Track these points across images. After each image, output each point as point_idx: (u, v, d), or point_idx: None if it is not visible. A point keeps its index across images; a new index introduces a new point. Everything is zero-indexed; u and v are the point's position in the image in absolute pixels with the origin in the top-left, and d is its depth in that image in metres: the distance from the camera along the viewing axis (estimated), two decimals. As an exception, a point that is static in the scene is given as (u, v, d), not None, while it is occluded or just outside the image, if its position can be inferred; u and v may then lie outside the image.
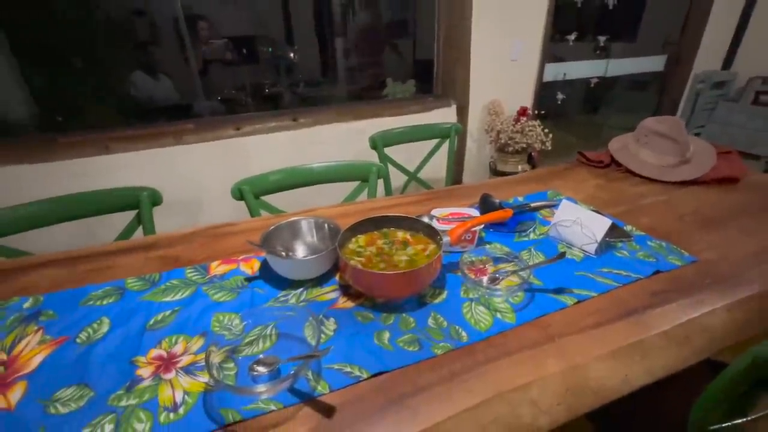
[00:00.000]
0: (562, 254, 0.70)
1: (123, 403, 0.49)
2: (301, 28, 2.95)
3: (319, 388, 0.51)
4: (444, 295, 0.69)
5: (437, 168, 1.70)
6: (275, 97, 2.74)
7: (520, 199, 1.06)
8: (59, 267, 0.78)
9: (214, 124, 1.82)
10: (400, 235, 0.77)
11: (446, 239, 0.71)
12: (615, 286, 0.69)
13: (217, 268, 0.77)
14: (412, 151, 1.58)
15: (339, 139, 2.03)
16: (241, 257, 0.80)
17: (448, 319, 0.63)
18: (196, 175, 1.81)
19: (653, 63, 3.16)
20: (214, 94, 2.45)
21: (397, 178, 1.60)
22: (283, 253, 0.73)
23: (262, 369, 0.53)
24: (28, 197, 0.98)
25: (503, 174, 2.39)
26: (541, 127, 2.27)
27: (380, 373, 0.53)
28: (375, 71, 2.66)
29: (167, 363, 0.55)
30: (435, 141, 1.62)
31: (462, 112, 2.35)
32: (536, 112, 2.50)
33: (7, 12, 1.90)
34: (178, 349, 0.58)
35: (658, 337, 0.59)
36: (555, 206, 0.93)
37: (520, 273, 0.70)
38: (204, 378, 0.52)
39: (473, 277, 0.71)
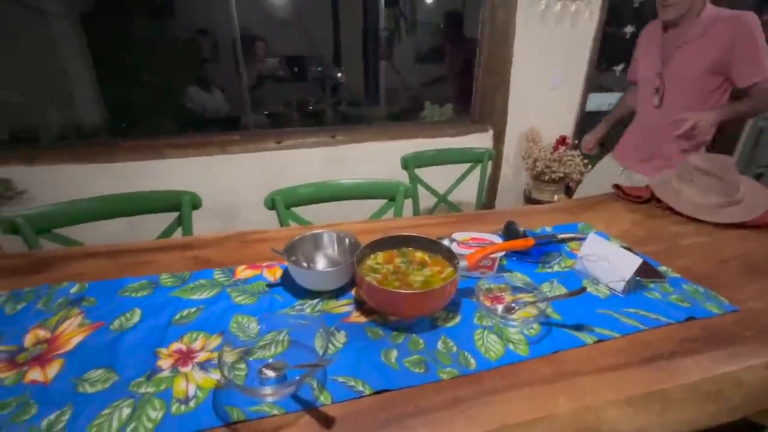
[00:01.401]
0: (583, 289, 0.67)
1: (142, 390, 0.53)
2: (348, 50, 3.11)
3: (322, 398, 0.52)
4: (457, 320, 0.68)
5: (469, 192, 1.69)
6: (318, 114, 2.87)
7: (548, 229, 1.03)
8: (105, 258, 0.86)
9: (258, 136, 1.94)
10: (419, 255, 0.78)
11: (463, 263, 0.70)
12: (640, 329, 0.66)
13: (242, 272, 0.81)
14: (446, 173, 1.59)
15: (374, 158, 2.08)
16: (265, 264, 0.84)
17: (458, 345, 0.62)
18: (236, 183, 1.92)
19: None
20: (262, 109, 2.62)
21: (428, 200, 1.61)
22: (304, 264, 0.76)
23: (270, 373, 0.55)
24: (92, 193, 1.09)
25: (538, 202, 2.33)
26: (581, 157, 2.21)
27: (383, 391, 0.53)
28: (414, 93, 2.73)
29: (185, 357, 0.59)
30: (468, 165, 1.62)
31: (499, 138, 2.34)
32: (576, 141, 2.43)
33: (94, 31, 2.17)
34: (197, 345, 0.62)
35: (684, 389, 0.55)
36: (583, 239, 0.90)
37: (538, 305, 0.68)
38: (216, 375, 0.55)
39: (488, 304, 0.70)
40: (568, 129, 2.44)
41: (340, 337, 0.63)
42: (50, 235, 1.01)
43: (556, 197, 2.31)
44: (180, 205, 1.07)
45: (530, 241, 0.74)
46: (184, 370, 0.57)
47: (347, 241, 0.80)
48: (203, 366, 0.57)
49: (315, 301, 0.72)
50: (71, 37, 2.29)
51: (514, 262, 0.87)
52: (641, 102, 1.44)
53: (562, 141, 2.32)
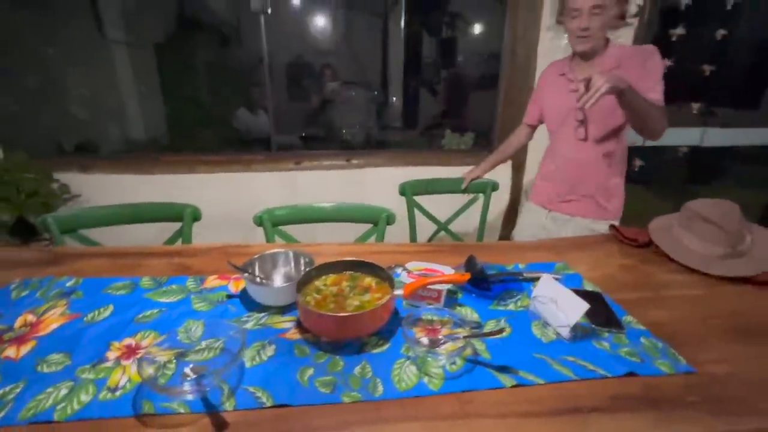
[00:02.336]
0: (500, 330, 0.66)
1: (84, 375, 0.61)
2: (393, 77, 3.26)
3: (227, 404, 0.57)
4: (385, 347, 0.70)
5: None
6: (347, 137, 3.01)
7: (521, 266, 1.01)
8: (105, 258, 0.99)
9: (279, 157, 2.09)
10: (367, 281, 0.81)
11: (399, 292, 0.72)
12: (570, 378, 0.63)
13: (212, 281, 0.90)
14: (456, 202, 1.62)
15: (385, 182, 2.13)
16: (234, 276, 0.91)
17: (374, 371, 0.64)
18: (257, 199, 2.06)
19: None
20: (298, 131, 2.81)
21: (431, 228, 1.63)
22: (257, 279, 0.82)
23: (189, 374, 0.61)
24: (134, 200, 1.25)
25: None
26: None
27: (284, 405, 0.56)
28: (438, 122, 2.78)
29: (131, 352, 0.67)
30: (471, 195, 1.62)
31: (518, 170, 2.29)
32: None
33: (164, 58, 2.51)
34: (145, 342, 0.69)
35: (590, 447, 0.52)
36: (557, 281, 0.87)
37: (459, 340, 0.67)
38: (151, 370, 0.62)
39: (423, 335, 0.71)
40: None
41: (269, 351, 0.68)
42: (75, 235, 1.17)
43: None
44: (183, 216, 1.20)
45: (465, 276, 0.74)
46: (125, 363, 0.64)
47: (302, 261, 0.85)
48: (139, 361, 0.64)
49: (262, 314, 0.78)
50: (144, 64, 2.67)
51: (470, 296, 0.87)
52: (559, 139, 1.38)
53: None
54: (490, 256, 1.04)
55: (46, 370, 0.62)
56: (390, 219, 1.20)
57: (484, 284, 0.88)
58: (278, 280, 0.86)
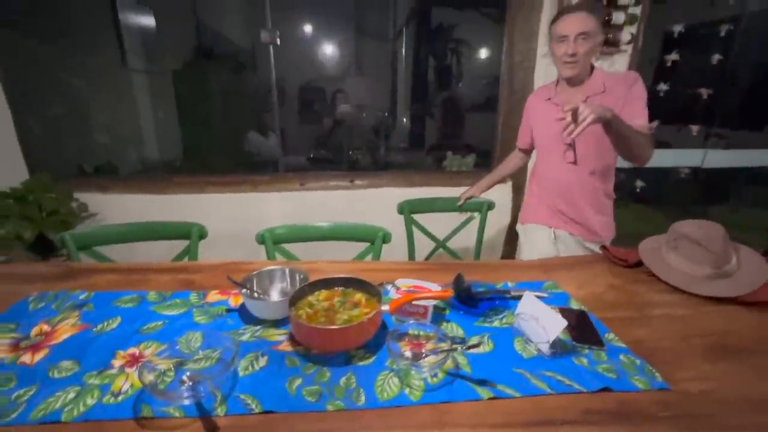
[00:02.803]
0: (477, 344, 0.69)
1: (91, 381, 0.66)
2: (402, 100, 3.37)
3: (219, 409, 0.61)
4: (371, 360, 0.73)
5: (486, 240, 1.74)
6: (354, 158, 3.11)
7: (511, 284, 1.04)
8: (117, 274, 1.06)
9: (284, 178, 2.17)
10: (358, 297, 0.85)
11: (385, 308, 0.76)
12: (545, 392, 0.65)
13: (213, 296, 0.95)
14: (455, 221, 1.68)
15: (388, 202, 2.18)
16: (234, 291, 0.97)
17: (358, 382, 0.67)
18: (261, 218, 2.14)
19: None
20: (306, 152, 2.91)
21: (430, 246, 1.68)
22: (255, 294, 0.87)
23: (187, 381, 0.65)
24: (148, 218, 1.32)
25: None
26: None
27: (271, 412, 0.60)
28: (440, 143, 2.87)
29: (134, 360, 0.72)
30: (468, 214, 1.68)
31: (518, 191, 2.33)
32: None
33: (181, 85, 2.66)
34: (148, 351, 0.74)
35: (556, 457, 0.54)
36: (543, 299, 0.90)
37: (440, 353, 0.71)
38: (152, 377, 0.67)
39: (402, 349, 0.74)
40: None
41: (261, 361, 0.72)
42: (90, 252, 1.25)
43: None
44: (190, 234, 1.27)
45: (447, 293, 0.78)
46: (128, 370, 0.69)
47: (298, 277, 0.90)
48: (141, 368, 0.69)
49: (257, 327, 0.82)
50: (162, 90, 2.83)
51: (458, 313, 0.90)
52: (549, 162, 1.41)
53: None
54: (481, 275, 1.08)
55: (57, 375, 0.67)
56: (386, 238, 1.25)
57: (471, 302, 0.92)
58: (274, 295, 0.91)
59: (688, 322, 0.87)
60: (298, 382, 0.67)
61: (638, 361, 0.73)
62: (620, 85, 1.23)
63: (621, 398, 0.65)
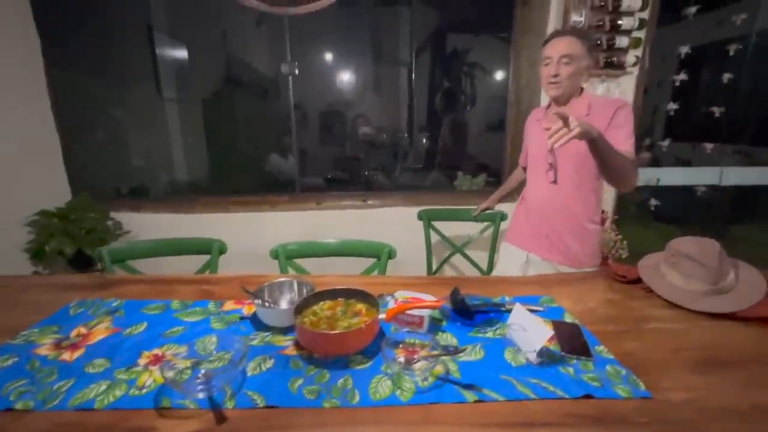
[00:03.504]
0: (462, 350, 0.74)
1: (119, 376, 0.75)
2: (419, 121, 3.49)
3: (228, 403, 0.68)
4: (368, 364, 0.79)
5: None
6: (371, 178, 3.21)
7: (508, 298, 1.08)
8: (146, 284, 1.17)
9: (301, 198, 2.29)
10: (359, 307, 0.92)
11: (381, 317, 0.83)
12: (529, 398, 0.69)
13: (230, 305, 1.04)
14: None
15: (399, 222, 2.27)
16: (248, 301, 1.05)
17: (354, 383, 0.73)
18: (278, 235, 2.24)
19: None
20: (324, 173, 3.04)
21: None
22: (266, 304, 0.95)
23: (201, 378, 0.73)
24: (177, 236, 1.45)
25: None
26: (616, 232, 2.11)
27: (273, 407, 0.67)
28: (451, 163, 2.94)
29: (157, 360, 0.80)
30: (482, 224, 1.77)
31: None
32: (616, 217, 2.33)
33: (210, 111, 2.87)
34: (170, 352, 0.83)
35: (532, 454, 0.58)
36: (539, 312, 0.95)
37: (430, 359, 0.76)
38: (170, 374, 0.75)
39: (397, 355, 0.80)
40: (607, 203, 2.36)
41: (268, 363, 0.79)
42: (123, 265, 1.38)
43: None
44: (211, 249, 1.38)
45: (438, 303, 0.84)
46: (152, 368, 0.78)
47: (305, 288, 0.98)
48: (162, 366, 0.78)
49: (267, 333, 0.90)
50: (192, 117, 3.06)
51: (455, 324, 0.95)
52: (534, 182, 1.44)
53: (599, 215, 2.25)
54: (481, 289, 1.12)
55: (91, 370, 0.77)
56: (391, 254, 1.32)
57: (467, 314, 0.97)
58: (283, 305, 0.99)
59: (680, 336, 0.89)
60: (300, 382, 0.74)
61: (623, 371, 0.76)
62: (606, 110, 1.25)
63: (602, 405, 0.68)
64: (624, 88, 2.20)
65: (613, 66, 2.14)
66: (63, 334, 0.89)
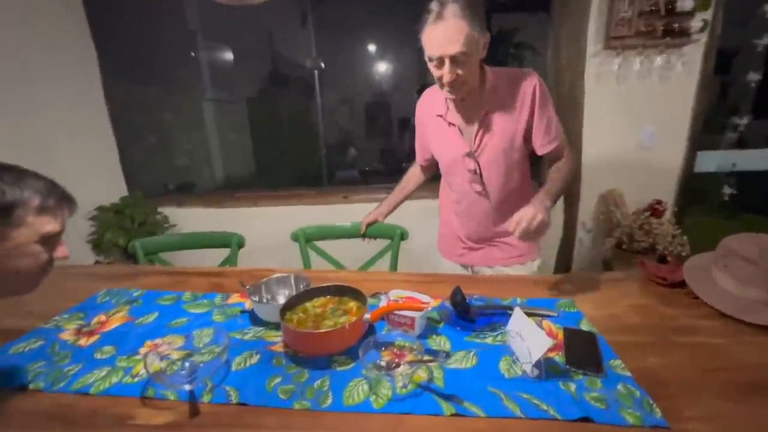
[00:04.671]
0: (446, 357, 0.68)
1: (120, 363, 0.80)
2: None
3: (206, 397, 0.69)
4: (350, 366, 0.76)
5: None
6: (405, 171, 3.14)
7: (520, 300, 0.99)
8: (166, 276, 1.24)
9: (329, 192, 2.32)
10: (351, 305, 0.89)
11: (367, 316, 0.79)
12: (515, 415, 0.62)
13: (234, 298, 1.07)
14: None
15: (424, 213, 2.19)
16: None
17: (331, 386, 0.71)
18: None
19: None
20: (362, 165, 3.02)
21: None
22: (264, 299, 0.96)
23: (187, 370, 0.76)
24: (215, 229, 1.53)
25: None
26: (675, 226, 1.86)
27: (245, 404, 0.67)
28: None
29: (155, 349, 0.85)
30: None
31: (571, 201, 2.16)
32: (676, 209, 2.04)
33: (254, 109, 2.99)
34: (170, 342, 0.87)
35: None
36: (551, 317, 0.86)
37: (409, 365, 0.71)
38: (162, 364, 0.78)
39: (382, 357, 0.76)
40: (666, 192, 2.08)
41: (254, 359, 0.80)
42: (156, 257, 1.48)
43: (644, 271, 1.94)
44: (231, 243, 1.43)
45: (427, 305, 0.78)
46: (149, 357, 0.82)
47: (302, 284, 0.98)
48: (146, 356, 0.81)
49: (261, 328, 0.91)
50: (236, 116, 3.22)
51: (453, 327, 0.88)
52: (454, 185, 1.23)
53: (654, 206, 1.99)
54: (490, 289, 1.04)
55: (99, 356, 0.83)
56: (404, 235, 1.29)
57: (468, 316, 0.90)
58: (281, 300, 0.99)
59: (718, 353, 0.74)
60: (278, 380, 0.73)
61: (638, 393, 0.65)
62: (517, 89, 1.05)
63: (598, 431, 0.59)
64: (689, 59, 1.91)
65: (673, 34, 1.86)
66: (86, 321, 0.98)
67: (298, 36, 2.68)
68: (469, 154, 1.13)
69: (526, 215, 0.89)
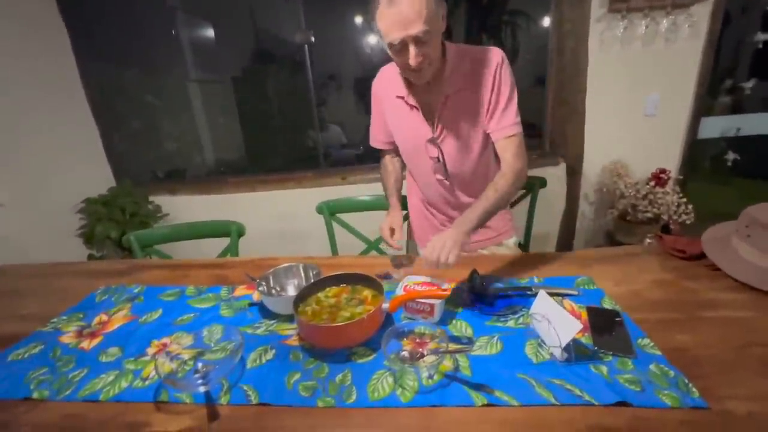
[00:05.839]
0: (471, 344, 0.65)
1: (128, 366, 0.76)
2: None
3: (223, 398, 0.66)
4: (371, 358, 0.73)
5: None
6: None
7: (537, 280, 0.96)
8: (166, 269, 1.19)
9: (326, 174, 2.24)
10: (366, 293, 0.86)
11: (385, 306, 0.76)
12: (549, 403, 0.60)
13: (240, 291, 1.03)
14: None
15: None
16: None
17: (353, 380, 0.68)
18: (304, 212, 2.23)
19: None
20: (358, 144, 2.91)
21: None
22: (273, 290, 0.92)
23: (201, 371, 0.72)
24: (210, 217, 1.46)
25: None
26: (680, 194, 1.84)
27: (266, 404, 0.64)
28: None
29: (164, 349, 0.81)
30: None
31: (573, 172, 2.13)
32: (681, 177, 2.02)
33: (241, 89, 2.84)
34: (178, 341, 0.83)
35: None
36: (572, 296, 0.83)
37: (434, 355, 0.68)
38: (173, 365, 0.75)
39: (403, 347, 0.73)
40: (670, 161, 2.05)
41: (268, 354, 0.76)
42: (152, 250, 1.42)
43: (647, 241, 1.94)
44: (230, 232, 1.38)
45: (446, 292, 0.74)
46: (158, 358, 0.78)
47: (311, 272, 0.93)
48: (157, 358, 0.77)
49: (272, 321, 0.87)
50: (223, 97, 3.07)
51: (472, 312, 0.85)
52: (417, 172, 1.18)
53: (658, 175, 1.96)
54: (506, 269, 1.02)
55: (104, 359, 0.79)
56: None
57: (486, 299, 0.87)
58: (290, 290, 0.95)
59: (749, 327, 0.73)
60: (297, 376, 0.70)
61: (672, 373, 0.63)
62: (482, 69, 0.97)
63: (640, 415, 0.57)
64: (697, 19, 1.83)
65: (679, -6, 1.78)
66: (86, 322, 0.93)
67: (284, 9, 2.53)
68: (432, 140, 1.05)
69: (437, 245, 0.82)
